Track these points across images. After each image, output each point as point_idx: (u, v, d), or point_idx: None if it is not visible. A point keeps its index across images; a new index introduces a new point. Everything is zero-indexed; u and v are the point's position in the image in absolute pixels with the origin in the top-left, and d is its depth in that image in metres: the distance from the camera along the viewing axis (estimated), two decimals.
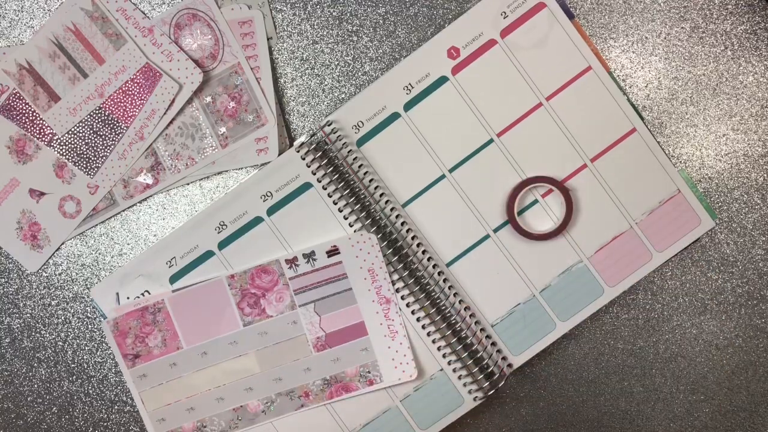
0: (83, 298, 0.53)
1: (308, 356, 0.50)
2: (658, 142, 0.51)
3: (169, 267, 0.50)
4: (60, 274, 0.53)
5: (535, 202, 0.51)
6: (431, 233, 0.51)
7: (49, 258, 0.53)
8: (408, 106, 0.50)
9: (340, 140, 0.50)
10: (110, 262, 0.53)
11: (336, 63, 0.52)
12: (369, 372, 0.50)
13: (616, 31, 0.53)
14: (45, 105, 0.51)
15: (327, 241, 0.50)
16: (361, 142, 0.50)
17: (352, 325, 0.50)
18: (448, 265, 0.51)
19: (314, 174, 0.50)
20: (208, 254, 0.50)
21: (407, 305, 0.50)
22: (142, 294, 0.50)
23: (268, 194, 0.50)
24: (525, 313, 0.51)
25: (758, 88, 0.52)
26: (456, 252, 0.51)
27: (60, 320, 0.53)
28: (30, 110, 0.51)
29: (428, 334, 0.50)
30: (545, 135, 0.51)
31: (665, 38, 0.53)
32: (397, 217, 0.50)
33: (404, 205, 0.51)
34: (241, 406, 0.51)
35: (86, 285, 0.53)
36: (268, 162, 0.51)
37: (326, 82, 0.53)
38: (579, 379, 0.54)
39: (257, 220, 0.50)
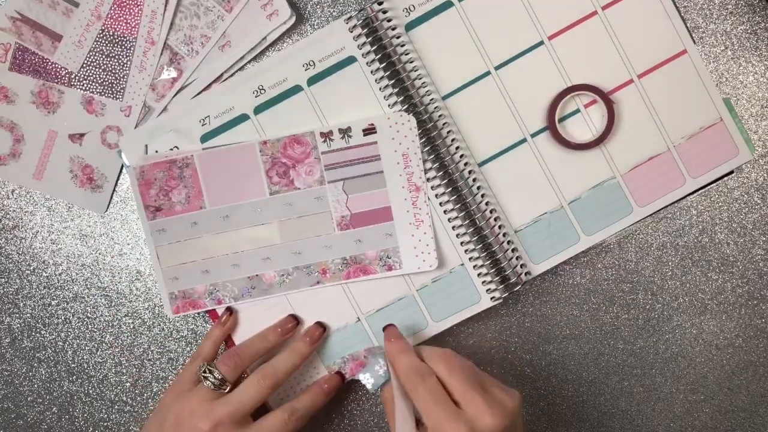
0: (83, 298, 0.53)
1: (330, 234, 0.50)
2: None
3: (202, 125, 0.49)
4: (60, 274, 0.53)
5: (577, 111, 0.50)
6: (468, 129, 0.50)
7: (112, 195, 0.52)
8: None
9: (389, 21, 0.49)
10: (110, 263, 0.52)
11: None
12: (389, 257, 0.50)
13: None
14: (50, 48, 0.50)
15: (364, 118, 0.49)
16: (410, 27, 0.49)
17: (378, 209, 0.49)
18: (482, 164, 0.50)
19: (360, 48, 0.49)
20: (243, 117, 0.49)
21: (436, 196, 0.49)
22: (171, 149, 0.50)
23: (311, 63, 0.49)
24: (550, 222, 0.51)
25: (758, 88, 0.52)
26: (491, 152, 0.50)
27: (60, 320, 0.53)
28: (39, 58, 0.50)
29: (453, 228, 0.50)
30: (596, 44, 0.50)
31: None
32: (435, 108, 0.49)
33: (445, 98, 0.50)
34: (257, 275, 0.50)
35: (86, 285, 0.53)
36: (285, 23, 0.49)
37: None
38: (579, 379, 0.54)
39: (296, 89, 0.49)
